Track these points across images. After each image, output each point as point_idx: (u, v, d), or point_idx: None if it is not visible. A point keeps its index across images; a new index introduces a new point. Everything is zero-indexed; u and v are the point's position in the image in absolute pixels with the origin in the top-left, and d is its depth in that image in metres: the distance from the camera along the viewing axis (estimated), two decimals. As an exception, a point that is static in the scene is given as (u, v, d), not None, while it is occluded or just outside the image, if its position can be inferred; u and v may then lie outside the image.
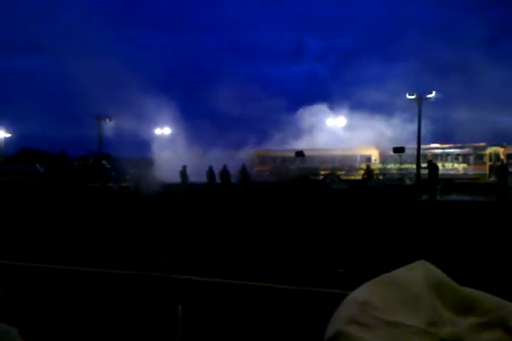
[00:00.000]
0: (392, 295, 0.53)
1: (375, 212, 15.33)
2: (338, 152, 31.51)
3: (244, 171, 28.37)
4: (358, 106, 37.94)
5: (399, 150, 28.00)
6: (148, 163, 31.57)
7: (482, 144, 27.19)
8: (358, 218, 14.45)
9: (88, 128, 35.64)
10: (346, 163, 31.23)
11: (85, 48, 39.44)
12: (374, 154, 30.92)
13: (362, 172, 29.33)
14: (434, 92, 28.29)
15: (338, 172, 30.36)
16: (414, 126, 28.35)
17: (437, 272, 0.55)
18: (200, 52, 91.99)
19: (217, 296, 5.80)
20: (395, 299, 0.52)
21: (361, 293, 0.55)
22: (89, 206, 18.81)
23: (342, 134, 36.14)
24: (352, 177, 29.38)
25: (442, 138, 31.19)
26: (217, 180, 27.57)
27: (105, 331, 5.17)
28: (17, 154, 47.35)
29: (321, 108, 38.82)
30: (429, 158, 25.67)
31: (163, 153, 33.09)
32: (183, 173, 27.39)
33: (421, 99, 27.64)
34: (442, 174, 26.05)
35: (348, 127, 37.50)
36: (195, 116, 42.87)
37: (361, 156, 31.06)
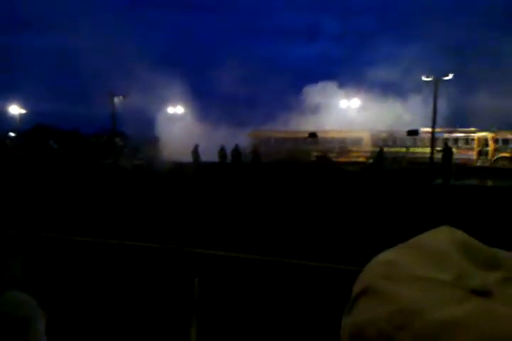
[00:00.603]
0: (419, 255, 0.53)
1: (395, 195, 15.29)
2: (330, 134, 31.52)
3: (255, 151, 28.33)
4: (371, 87, 37.45)
5: (413, 133, 27.84)
6: (159, 141, 31.73)
7: (472, 129, 26.91)
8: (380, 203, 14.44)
9: (101, 105, 35.76)
10: (337, 145, 31.22)
11: (99, 27, 39.23)
12: (365, 137, 30.74)
13: (355, 154, 29.60)
14: (450, 75, 27.82)
15: (330, 155, 30.40)
16: (424, 109, 28.19)
17: (462, 234, 0.55)
18: (214, 32, 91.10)
19: (232, 270, 5.89)
20: (422, 258, 0.53)
21: (388, 253, 0.56)
22: (100, 184, 18.95)
23: (352, 115, 35.80)
24: (344, 160, 29.33)
25: (451, 122, 30.83)
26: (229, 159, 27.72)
27: (125, 303, 5.27)
28: (30, 130, 47.65)
29: (328, 87, 38.26)
30: (444, 142, 25.42)
31: (173, 132, 33.17)
32: (196, 152, 27.45)
33: (437, 81, 27.24)
34: (423, 158, 26.37)
35: (361, 108, 37.09)
36: (207, 96, 42.96)
37: (352, 139, 30.90)
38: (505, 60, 37.27)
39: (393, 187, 17.15)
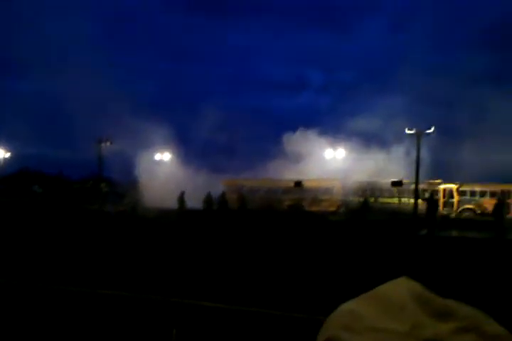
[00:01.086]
0: (378, 306, 0.57)
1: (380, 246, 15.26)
2: (304, 183, 31.99)
3: (223, 199, 28.44)
4: (354, 138, 38.14)
5: (397, 183, 28.23)
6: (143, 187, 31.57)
7: (438, 181, 27.53)
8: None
9: (87, 150, 35.74)
10: (310, 194, 31.59)
11: (87, 72, 39.90)
12: (336, 186, 31.13)
13: (326, 203, 29.92)
14: (433, 128, 28.63)
15: (302, 204, 30.64)
16: (407, 160, 28.90)
17: (418, 286, 0.60)
18: (202, 81, 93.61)
19: (211, 320, 5.71)
20: (381, 309, 0.57)
21: (350, 304, 0.59)
22: (84, 230, 18.63)
23: (335, 165, 36.25)
24: (315, 209, 29.56)
25: (430, 174, 31.41)
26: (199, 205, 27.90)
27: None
28: (15, 174, 47.21)
29: (309, 137, 38.80)
30: (430, 193, 25.81)
31: (158, 178, 33.19)
32: (181, 199, 27.37)
33: (420, 134, 27.99)
34: (397, 208, 26.86)
35: (343, 158, 37.51)
36: (192, 143, 43.44)
37: (323, 188, 31.28)
38: (489, 114, 38.67)
39: (380, 238, 17.14)
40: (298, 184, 31.05)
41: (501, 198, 26.48)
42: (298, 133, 39.18)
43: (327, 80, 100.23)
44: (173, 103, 77.49)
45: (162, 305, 5.60)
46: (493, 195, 27.63)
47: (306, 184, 31.50)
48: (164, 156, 38.97)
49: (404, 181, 28.92)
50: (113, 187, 34.81)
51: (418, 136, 27.82)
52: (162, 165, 37.42)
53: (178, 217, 23.98)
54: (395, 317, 0.55)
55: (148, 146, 38.35)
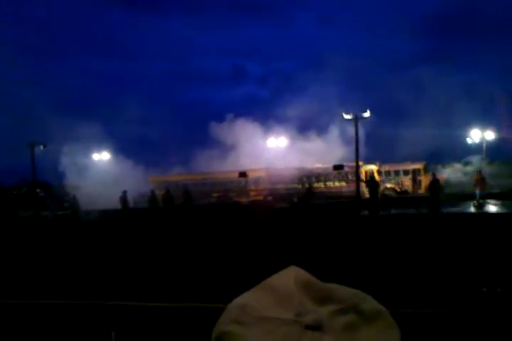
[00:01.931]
0: (268, 297, 0.61)
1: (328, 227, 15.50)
2: (229, 175, 32.18)
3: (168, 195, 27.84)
4: (294, 126, 38.47)
5: (338, 167, 28.83)
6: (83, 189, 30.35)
7: (360, 163, 28.48)
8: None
9: (21, 155, 34.01)
10: (237, 185, 31.97)
11: (17, 73, 37.99)
12: (263, 175, 31.52)
13: (254, 193, 30.23)
14: (368, 111, 29.32)
15: (230, 195, 30.84)
16: (348, 145, 29.53)
17: (304, 273, 0.63)
18: (140, 78, 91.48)
19: (150, 320, 5.49)
20: (271, 299, 0.61)
21: (242, 298, 0.63)
22: (15, 237, 17.69)
23: (276, 154, 36.43)
24: (244, 199, 29.90)
25: (372, 157, 32.29)
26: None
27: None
28: None
29: (249, 127, 38.69)
30: (369, 175, 26.50)
31: (98, 179, 32.12)
32: (124, 199, 26.58)
33: (356, 119, 28.59)
34: (324, 192, 27.68)
35: (277, 146, 37.70)
36: (131, 141, 42.39)
37: (252, 178, 31.53)
38: (422, 96, 40.15)
39: (325, 220, 17.41)
40: (242, 174, 30.97)
41: (414, 176, 28.28)
42: (232, 123, 38.85)
43: (265, 71, 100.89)
44: (107, 100, 75.29)
45: (99, 309, 5.35)
46: (406, 173, 29.13)
47: (234, 175, 31.68)
48: (103, 156, 37.75)
49: (324, 165, 29.76)
50: (50, 192, 33.32)
51: (355, 120, 28.42)
52: (101, 165, 36.23)
53: (122, 218, 23.32)
54: (283, 306, 0.59)
55: (86, 147, 37.05)
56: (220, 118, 39.81)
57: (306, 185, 28.83)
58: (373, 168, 28.19)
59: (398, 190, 27.60)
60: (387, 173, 28.65)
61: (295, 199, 27.78)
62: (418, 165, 29.85)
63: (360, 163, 28.41)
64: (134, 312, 5.74)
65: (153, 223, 19.59)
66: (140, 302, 6.21)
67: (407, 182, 29.18)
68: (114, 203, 26.50)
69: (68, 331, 5.63)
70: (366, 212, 21.27)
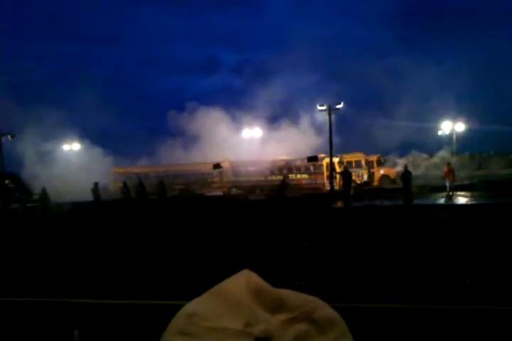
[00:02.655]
0: (218, 304, 0.58)
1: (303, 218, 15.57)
2: (193, 167, 32.12)
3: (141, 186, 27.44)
4: (270, 117, 38.53)
5: (313, 159, 28.95)
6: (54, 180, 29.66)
7: (322, 155, 28.71)
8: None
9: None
10: (200, 178, 31.94)
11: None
12: (227, 167, 31.48)
13: (217, 185, 30.14)
14: (342, 103, 29.49)
15: (193, 187, 30.79)
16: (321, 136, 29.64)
17: (257, 279, 0.61)
18: (110, 65, 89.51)
19: (114, 318, 5.40)
20: (221, 307, 0.57)
21: (191, 305, 0.59)
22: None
23: (252, 145, 36.36)
24: (206, 191, 29.91)
25: (346, 147, 32.58)
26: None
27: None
28: None
29: (222, 119, 38.35)
30: (341, 166, 26.70)
31: (69, 170, 31.48)
32: (95, 190, 26.13)
33: (330, 110, 28.71)
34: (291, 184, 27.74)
35: (259, 138, 37.65)
36: (102, 132, 41.55)
37: (214, 170, 31.41)
38: (395, 84, 40.76)
39: (298, 212, 17.50)
40: (217, 166, 30.81)
41: (371, 167, 28.63)
42: (197, 113, 38.46)
43: (238, 60, 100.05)
44: (76, 89, 73.34)
45: (62, 307, 5.20)
46: (366, 165, 29.53)
47: (198, 167, 31.58)
48: (73, 146, 36.97)
49: (288, 158, 29.91)
50: (19, 183, 32.45)
51: (329, 112, 28.51)
52: (70, 156, 35.48)
53: (93, 210, 22.96)
54: (233, 314, 0.56)
55: (56, 138, 36.21)
56: (185, 108, 39.17)
57: (270, 178, 29.03)
58: (334, 160, 28.25)
59: (358, 181, 27.55)
60: (349, 165, 28.52)
61: (257, 191, 27.85)
62: (373, 158, 30.14)
63: (322, 155, 28.57)
64: (97, 310, 5.62)
65: (131, 216, 19.37)
66: (103, 300, 6.09)
67: (365, 173, 29.53)
68: (85, 195, 26.09)
69: (28, 329, 5.47)
70: (340, 204, 21.49)
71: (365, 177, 29.16)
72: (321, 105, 29.11)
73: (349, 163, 29.36)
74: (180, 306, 0.61)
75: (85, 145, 36.85)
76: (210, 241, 13.62)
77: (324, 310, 0.58)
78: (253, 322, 0.54)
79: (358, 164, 30.45)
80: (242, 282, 0.60)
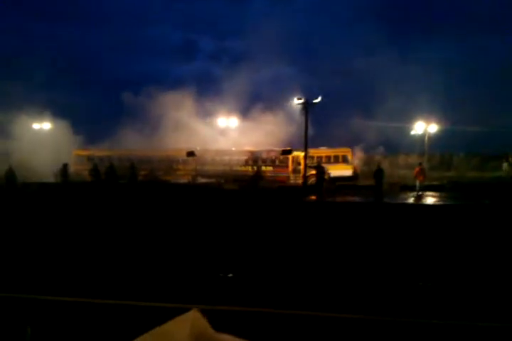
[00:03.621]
0: None
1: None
2: (158, 152, 31.85)
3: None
4: (248, 108, 38.26)
5: (286, 152, 29.00)
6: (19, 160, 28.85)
7: (288, 148, 28.91)
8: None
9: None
10: (166, 164, 31.78)
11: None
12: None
13: (181, 172, 30.25)
14: (319, 97, 29.54)
15: (157, 173, 30.59)
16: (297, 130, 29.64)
17: (203, 322, 0.59)
18: (82, 47, 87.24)
19: (67, 315, 5.26)
20: None
21: None
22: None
23: (228, 134, 36.10)
24: (170, 178, 29.81)
25: (317, 142, 32.63)
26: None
27: None
28: None
29: (189, 104, 37.72)
30: (315, 161, 26.79)
31: (32, 149, 30.69)
32: (64, 172, 25.59)
33: (307, 104, 28.76)
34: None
35: (235, 128, 37.34)
36: (74, 113, 40.51)
37: (182, 158, 31.07)
38: (375, 82, 41.08)
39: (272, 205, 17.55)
40: (191, 154, 30.54)
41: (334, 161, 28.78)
42: (168, 98, 37.66)
43: (217, 48, 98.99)
44: (50, 69, 71.35)
45: (14, 303, 5.03)
46: (336, 159, 29.62)
47: (164, 153, 31.28)
48: (44, 126, 36.01)
49: (254, 149, 30.05)
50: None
51: (306, 106, 28.55)
52: (41, 135, 34.58)
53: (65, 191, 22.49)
54: None
55: (25, 115, 35.15)
56: (156, 92, 38.26)
57: (235, 168, 29.02)
58: (300, 154, 28.32)
59: (326, 177, 27.55)
60: (319, 159, 28.48)
61: (222, 180, 27.76)
62: (345, 151, 30.38)
63: (288, 149, 28.61)
64: (51, 306, 5.45)
65: (103, 200, 19.03)
66: (57, 297, 5.92)
67: (352, 169, 29.79)
68: (49, 176, 25.64)
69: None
70: (312, 198, 21.66)
71: (349, 173, 29.20)
72: (299, 99, 29.12)
73: (336, 157, 29.36)
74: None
75: (55, 125, 35.97)
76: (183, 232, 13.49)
77: None
78: None
79: (344, 159, 30.50)
80: (187, 325, 0.57)
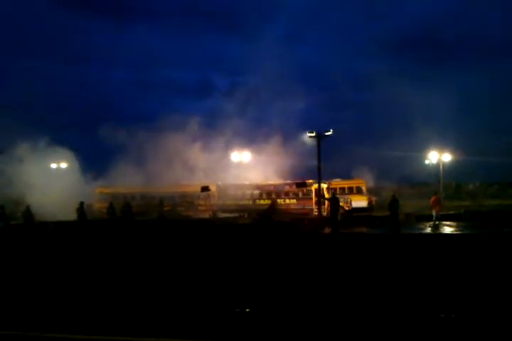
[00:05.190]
0: None
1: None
2: (179, 188, 31.98)
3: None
4: (261, 142, 38.53)
5: (301, 185, 29.01)
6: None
7: (310, 181, 28.85)
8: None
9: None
10: (186, 200, 32.03)
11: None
12: (213, 190, 31.20)
13: (203, 208, 30.12)
14: (331, 130, 29.77)
15: (179, 209, 30.63)
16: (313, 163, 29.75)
17: None
18: (99, 87, 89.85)
19: None
20: None
21: None
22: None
23: (243, 169, 36.23)
24: (192, 213, 29.89)
25: (334, 174, 32.63)
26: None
27: None
28: None
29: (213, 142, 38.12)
30: (331, 192, 26.74)
31: (51, 189, 31.10)
32: (80, 210, 25.80)
33: (319, 137, 28.98)
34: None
35: (248, 162, 37.49)
36: (92, 153, 41.17)
37: (201, 193, 31.16)
38: (385, 114, 41.40)
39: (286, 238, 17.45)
40: (205, 188, 30.72)
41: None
42: (187, 135, 38.14)
43: (230, 85, 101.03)
44: (69, 109, 73.49)
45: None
46: (351, 191, 29.69)
47: (185, 189, 31.48)
48: (61, 165, 36.72)
49: (275, 182, 30.04)
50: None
51: (318, 139, 28.75)
52: (58, 175, 35.15)
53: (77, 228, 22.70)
54: None
55: (44, 156, 35.87)
56: (174, 130, 38.82)
57: (258, 202, 28.97)
58: (323, 186, 28.34)
59: (346, 208, 27.44)
60: (333, 191, 28.34)
61: (245, 215, 27.73)
62: (360, 183, 30.24)
63: (310, 181, 28.66)
64: None
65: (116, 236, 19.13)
66: (46, 334, 5.87)
67: (367, 200, 29.68)
68: (69, 215, 25.84)
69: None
70: (328, 230, 21.49)
71: (364, 204, 29.09)
72: (311, 132, 29.39)
73: (350, 188, 29.38)
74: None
75: (72, 164, 36.61)
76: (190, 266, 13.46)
77: None
78: None
79: (359, 190, 30.41)
80: None
